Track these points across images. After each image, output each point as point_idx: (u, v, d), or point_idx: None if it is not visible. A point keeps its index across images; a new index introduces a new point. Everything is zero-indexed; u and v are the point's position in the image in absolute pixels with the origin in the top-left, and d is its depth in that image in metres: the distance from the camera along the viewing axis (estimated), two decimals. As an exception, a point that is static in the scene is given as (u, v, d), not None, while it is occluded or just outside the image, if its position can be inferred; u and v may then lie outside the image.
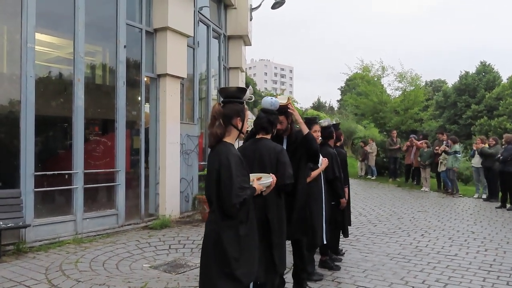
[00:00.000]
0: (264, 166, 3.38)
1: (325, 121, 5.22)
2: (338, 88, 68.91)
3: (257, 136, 3.63)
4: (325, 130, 4.98)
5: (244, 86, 12.56)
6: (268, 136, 3.62)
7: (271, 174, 3.01)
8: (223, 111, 2.72)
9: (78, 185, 6.30)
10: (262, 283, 3.42)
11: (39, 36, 6.06)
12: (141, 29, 7.48)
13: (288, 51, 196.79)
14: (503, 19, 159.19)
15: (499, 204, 10.00)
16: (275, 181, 2.97)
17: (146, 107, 7.75)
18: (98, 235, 6.37)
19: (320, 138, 4.73)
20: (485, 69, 47.65)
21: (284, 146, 3.94)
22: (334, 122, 5.85)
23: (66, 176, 6.33)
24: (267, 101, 3.72)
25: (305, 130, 4.03)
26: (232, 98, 2.80)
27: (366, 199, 10.96)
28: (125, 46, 7.07)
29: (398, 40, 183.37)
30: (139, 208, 7.37)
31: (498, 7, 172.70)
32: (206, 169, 2.87)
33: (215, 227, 2.61)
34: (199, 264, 2.76)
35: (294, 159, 3.83)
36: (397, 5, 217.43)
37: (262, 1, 12.42)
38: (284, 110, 3.95)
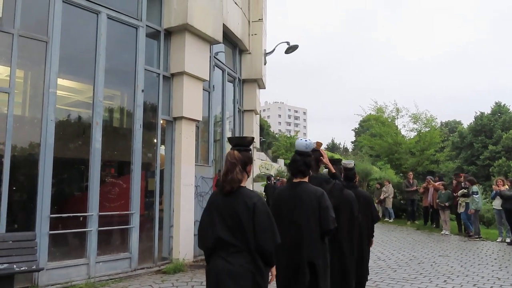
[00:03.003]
0: (306, 211, 3.36)
1: (351, 162, 5.13)
2: (352, 130, 69.05)
3: (295, 180, 3.58)
4: (350, 171, 4.91)
5: (258, 128, 12.69)
6: (306, 179, 3.59)
7: None
8: (242, 158, 2.90)
9: (93, 228, 6.28)
10: None
11: (60, 81, 6.28)
12: (159, 73, 7.70)
13: (302, 94, 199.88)
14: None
15: (524, 248, 9.59)
16: None
17: (161, 149, 7.83)
18: (111, 279, 6.26)
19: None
20: (500, 110, 47.51)
21: None
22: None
23: (81, 218, 6.33)
24: (302, 144, 3.69)
25: (332, 169, 4.22)
26: (246, 147, 3.01)
27: (385, 243, 10.63)
28: (142, 90, 7.25)
29: (416, 83, 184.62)
30: (153, 252, 7.26)
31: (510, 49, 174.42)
32: (216, 211, 2.89)
33: (249, 266, 2.69)
34: None
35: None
36: (416, 51, 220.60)
37: (276, 46, 12.80)
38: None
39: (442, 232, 12.51)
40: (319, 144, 4.48)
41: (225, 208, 2.79)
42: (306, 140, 3.74)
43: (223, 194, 2.85)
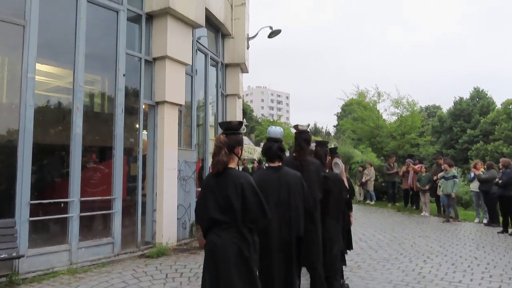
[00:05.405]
0: (293, 192, 3.72)
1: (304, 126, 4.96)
2: (334, 114, 69.48)
3: (273, 164, 3.87)
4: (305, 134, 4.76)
5: (241, 112, 12.65)
6: (281, 163, 3.89)
7: None
8: (227, 141, 3.12)
9: (74, 214, 6.22)
10: None
11: (39, 66, 6.12)
12: (141, 58, 7.57)
13: (285, 79, 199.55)
14: (496, 46, 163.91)
15: (500, 228, 9.90)
16: None
17: (144, 134, 7.75)
18: (93, 264, 6.24)
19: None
20: (479, 95, 48.37)
21: None
22: (333, 146, 5.81)
23: (62, 204, 6.25)
24: (278, 131, 3.96)
25: None
26: (233, 130, 3.22)
27: (366, 225, 10.84)
28: (124, 75, 7.13)
29: (398, 68, 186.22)
30: (136, 236, 7.26)
31: (489, 36, 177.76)
32: (209, 192, 3.12)
33: (236, 241, 2.98)
34: (212, 276, 3.02)
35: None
36: (403, 36, 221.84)
37: (259, 31, 12.69)
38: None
39: (422, 214, 12.82)
40: (308, 125, 4.58)
41: (218, 189, 3.05)
42: (280, 128, 4.05)
43: (214, 176, 3.11)
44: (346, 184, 5.23)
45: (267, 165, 4.05)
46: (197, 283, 5.32)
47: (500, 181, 9.90)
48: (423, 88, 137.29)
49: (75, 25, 6.48)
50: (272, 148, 3.86)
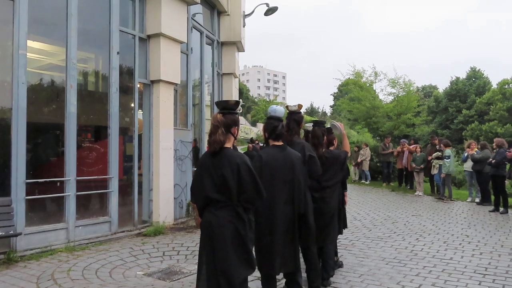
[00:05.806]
0: (298, 170, 3.82)
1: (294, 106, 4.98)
2: (331, 94, 69.27)
3: (277, 143, 3.92)
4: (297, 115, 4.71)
5: (237, 91, 12.59)
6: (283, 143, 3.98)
7: None
8: (224, 120, 3.12)
9: (71, 193, 6.23)
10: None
11: (31, 43, 6.02)
12: (134, 35, 7.46)
13: (282, 59, 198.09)
14: (492, 30, 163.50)
15: (492, 207, 10.04)
16: None
17: (139, 114, 7.71)
18: (91, 243, 6.30)
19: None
20: (475, 75, 48.25)
21: None
22: (329, 126, 5.79)
23: (58, 183, 6.26)
24: (282, 110, 4.03)
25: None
26: (230, 109, 3.20)
27: (361, 204, 10.96)
28: (118, 53, 7.03)
29: (398, 57, 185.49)
30: (133, 215, 7.31)
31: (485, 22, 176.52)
32: (205, 171, 3.13)
33: (231, 219, 3.02)
34: (208, 254, 3.07)
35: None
36: (402, 25, 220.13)
37: (255, 8, 12.50)
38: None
39: (415, 193, 12.95)
40: (300, 106, 4.53)
41: (214, 168, 3.07)
42: (282, 107, 4.12)
43: (210, 155, 3.12)
44: (348, 149, 5.29)
45: (261, 144, 4.07)
46: (194, 261, 5.40)
47: (493, 161, 9.98)
48: (420, 70, 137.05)
49: (66, 0, 6.33)
50: (279, 127, 3.90)
